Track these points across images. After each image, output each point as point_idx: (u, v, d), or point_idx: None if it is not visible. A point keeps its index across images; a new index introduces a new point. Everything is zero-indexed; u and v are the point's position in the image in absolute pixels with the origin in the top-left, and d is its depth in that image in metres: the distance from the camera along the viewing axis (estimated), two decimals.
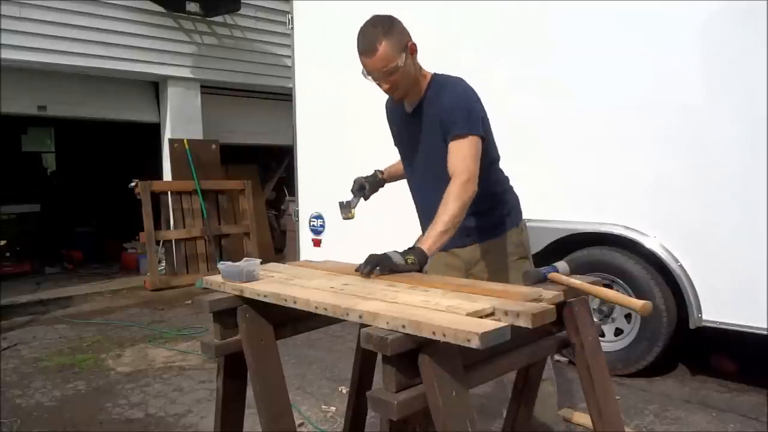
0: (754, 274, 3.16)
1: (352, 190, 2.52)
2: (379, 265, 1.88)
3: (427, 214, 2.18)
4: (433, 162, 2.20)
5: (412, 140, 2.30)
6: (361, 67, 2.14)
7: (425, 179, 2.30)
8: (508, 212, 2.36)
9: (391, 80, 2.12)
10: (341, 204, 2.48)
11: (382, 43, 2.08)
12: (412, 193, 2.45)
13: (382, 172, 2.58)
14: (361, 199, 2.52)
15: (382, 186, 2.59)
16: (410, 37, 2.17)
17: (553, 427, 2.43)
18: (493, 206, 2.31)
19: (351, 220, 2.45)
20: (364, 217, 4.97)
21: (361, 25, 2.15)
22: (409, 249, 1.95)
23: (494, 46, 4.04)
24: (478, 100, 2.19)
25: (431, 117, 2.19)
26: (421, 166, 2.31)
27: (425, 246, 1.94)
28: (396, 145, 2.49)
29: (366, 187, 2.52)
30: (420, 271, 1.95)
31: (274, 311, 1.83)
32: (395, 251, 1.93)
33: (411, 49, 2.15)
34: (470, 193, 2.01)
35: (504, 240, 2.32)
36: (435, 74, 2.25)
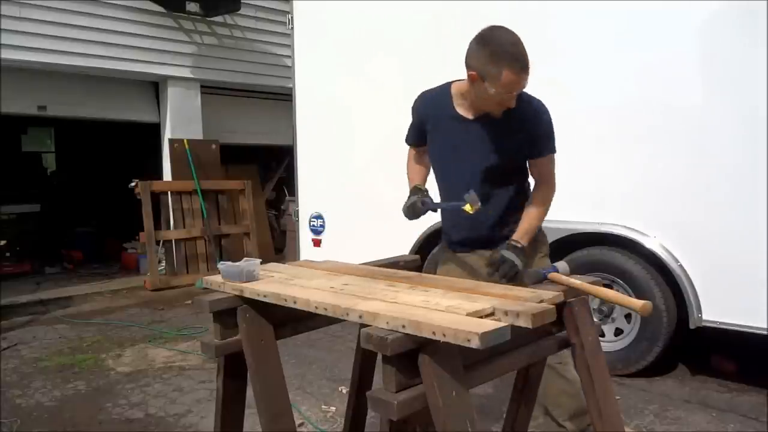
0: (754, 274, 3.16)
1: (417, 211, 2.31)
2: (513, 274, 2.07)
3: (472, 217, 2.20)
4: (496, 165, 2.25)
5: (470, 147, 2.27)
6: (493, 83, 2.04)
7: (480, 179, 2.26)
8: None
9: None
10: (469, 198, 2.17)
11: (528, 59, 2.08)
12: (450, 188, 2.38)
13: (422, 186, 2.41)
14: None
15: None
16: None
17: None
18: (521, 208, 2.37)
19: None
20: (364, 217, 4.98)
21: (507, 40, 2.05)
22: (514, 249, 2.14)
23: None
24: None
25: (515, 128, 2.21)
26: (478, 167, 2.27)
27: (525, 242, 2.20)
28: (414, 140, 2.47)
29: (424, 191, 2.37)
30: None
31: (274, 311, 1.83)
32: (509, 252, 2.12)
33: None
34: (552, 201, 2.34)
35: (534, 240, 2.35)
36: None
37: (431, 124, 2.38)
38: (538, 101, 2.27)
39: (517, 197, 2.34)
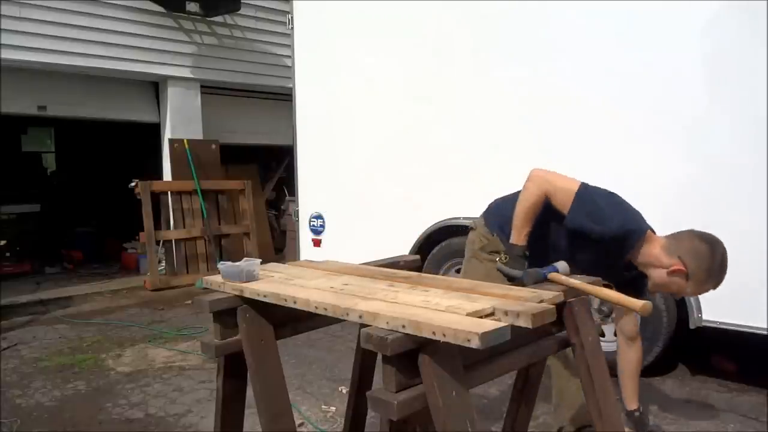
0: (754, 274, 3.16)
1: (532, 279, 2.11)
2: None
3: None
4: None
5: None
6: (694, 287, 2.14)
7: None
8: None
9: None
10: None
11: None
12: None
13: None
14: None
15: None
16: None
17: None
18: None
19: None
20: (364, 217, 4.98)
21: (726, 262, 2.10)
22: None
23: (493, 47, 4.04)
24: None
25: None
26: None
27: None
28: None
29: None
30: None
31: (274, 311, 1.83)
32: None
33: None
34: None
35: None
36: None
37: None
38: None
39: None
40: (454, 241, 4.18)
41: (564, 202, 2.14)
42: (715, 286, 2.13)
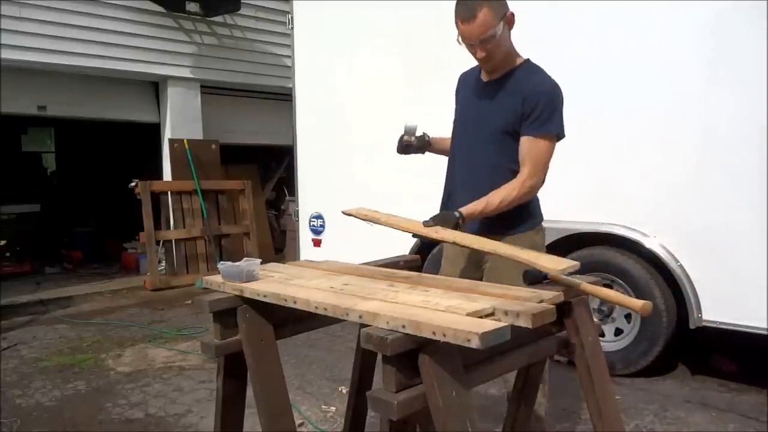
0: (754, 274, 3.16)
1: (402, 145, 2.49)
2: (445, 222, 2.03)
3: (459, 174, 2.35)
4: (489, 130, 2.25)
5: (479, 108, 2.32)
6: (459, 35, 2.15)
7: (473, 144, 2.32)
8: (532, 213, 2.35)
9: (487, 48, 2.14)
10: (408, 131, 2.45)
11: (483, 9, 2.08)
12: (452, 156, 2.45)
13: (428, 136, 2.52)
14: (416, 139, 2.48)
15: (428, 148, 2.54)
16: (508, 7, 2.18)
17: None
18: (521, 204, 2.26)
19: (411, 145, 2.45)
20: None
21: None
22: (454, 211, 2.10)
23: None
24: (563, 100, 2.22)
25: (513, 93, 2.21)
26: (475, 132, 2.32)
27: (465, 214, 2.10)
28: (456, 116, 2.49)
29: (425, 139, 2.50)
30: (459, 224, 2.07)
31: (274, 311, 1.83)
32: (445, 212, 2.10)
33: (509, 20, 2.17)
34: (529, 196, 2.21)
35: (522, 239, 2.27)
36: (529, 60, 2.29)
37: (462, 93, 2.47)
38: (548, 79, 2.21)
39: (501, 166, 2.24)
40: None
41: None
42: (460, 18, 2.11)
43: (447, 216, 2.09)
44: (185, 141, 7.29)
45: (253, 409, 1.91)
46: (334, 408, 3.37)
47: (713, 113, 3.30)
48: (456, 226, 2.05)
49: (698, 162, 3.35)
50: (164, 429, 3.20)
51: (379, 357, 1.42)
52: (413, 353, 1.39)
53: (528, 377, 2.04)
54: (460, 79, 2.51)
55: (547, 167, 2.21)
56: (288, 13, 5.33)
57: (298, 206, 5.35)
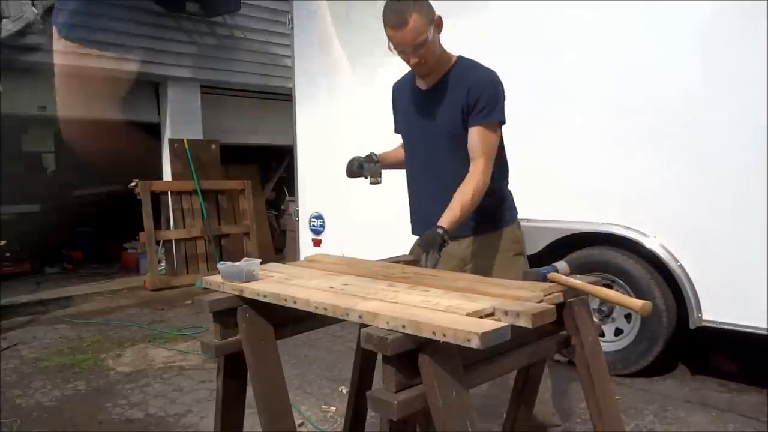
0: (754, 274, 3.16)
1: (353, 169, 2.45)
2: (431, 249, 2.00)
3: (424, 186, 2.34)
4: (443, 137, 2.24)
5: (423, 116, 2.31)
6: (387, 41, 2.13)
7: (430, 154, 2.31)
8: (508, 207, 2.39)
9: (420, 54, 2.12)
10: (367, 167, 2.42)
11: (413, 15, 2.05)
12: (411, 168, 2.44)
13: (376, 155, 2.49)
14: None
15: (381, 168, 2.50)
16: (435, 11, 2.15)
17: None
18: (494, 200, 2.29)
19: (378, 185, 2.43)
20: (364, 217, 4.98)
21: (389, 1, 2.11)
22: (436, 230, 2.03)
23: (493, 47, 4.04)
24: (503, 88, 2.22)
25: (455, 92, 2.20)
26: (429, 141, 2.30)
27: (446, 226, 2.04)
28: (397, 127, 2.49)
29: (373, 159, 2.46)
30: (445, 241, 2.03)
31: (274, 311, 1.83)
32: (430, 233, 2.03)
33: (437, 23, 2.15)
34: (488, 184, 2.15)
35: (501, 235, 2.34)
36: (461, 56, 2.28)
37: (401, 102, 2.44)
38: (486, 70, 2.22)
39: (463, 168, 2.20)
40: None
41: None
42: (390, 26, 2.07)
43: (432, 237, 2.02)
44: (185, 141, 7.29)
45: (253, 409, 1.91)
46: (334, 408, 3.37)
47: (713, 113, 3.30)
48: (442, 245, 2.03)
49: (698, 162, 3.35)
50: (164, 429, 3.20)
51: (379, 357, 1.42)
52: (413, 353, 1.39)
53: (528, 377, 2.04)
54: (394, 89, 2.49)
55: (494, 156, 2.21)
56: (288, 13, 5.33)
57: (298, 206, 5.35)
